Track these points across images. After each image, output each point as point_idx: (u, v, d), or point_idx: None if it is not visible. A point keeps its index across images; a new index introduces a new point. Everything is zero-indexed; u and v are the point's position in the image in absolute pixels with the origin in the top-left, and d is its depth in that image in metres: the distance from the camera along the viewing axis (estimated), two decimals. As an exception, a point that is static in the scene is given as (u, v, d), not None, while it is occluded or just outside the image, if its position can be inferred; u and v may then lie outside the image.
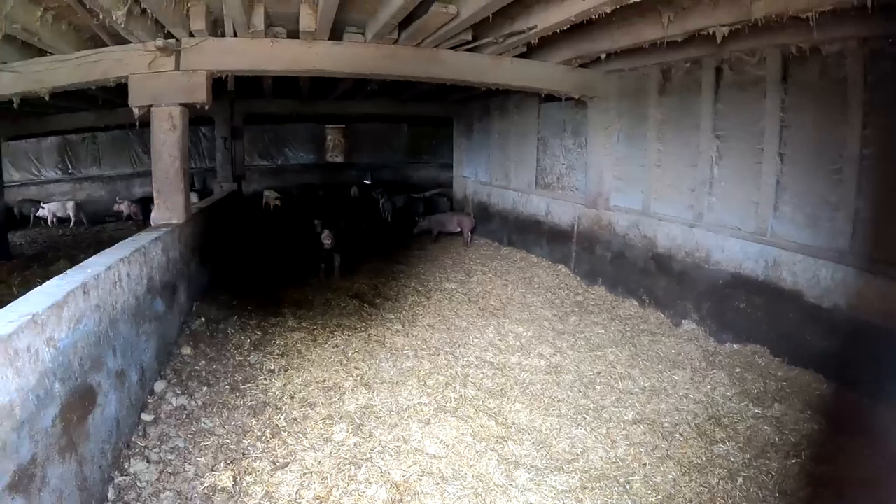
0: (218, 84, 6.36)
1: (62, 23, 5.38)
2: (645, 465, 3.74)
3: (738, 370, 5.07)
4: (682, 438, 4.03)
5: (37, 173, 17.82)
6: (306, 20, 5.41)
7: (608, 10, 4.67)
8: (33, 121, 12.93)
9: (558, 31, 5.48)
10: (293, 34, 5.93)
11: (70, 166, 18.01)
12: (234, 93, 10.73)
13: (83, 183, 17.97)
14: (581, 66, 7.23)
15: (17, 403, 2.41)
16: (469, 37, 6.04)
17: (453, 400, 4.65)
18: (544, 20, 5.31)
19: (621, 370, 5.17)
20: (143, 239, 4.94)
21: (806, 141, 5.23)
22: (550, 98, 8.64)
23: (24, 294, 3.05)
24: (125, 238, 4.97)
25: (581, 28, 5.48)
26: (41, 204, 15.26)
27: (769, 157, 5.50)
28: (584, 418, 4.34)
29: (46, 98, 6.21)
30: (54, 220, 14.94)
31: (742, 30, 4.85)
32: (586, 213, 8.25)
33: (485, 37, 6.11)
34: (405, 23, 5.62)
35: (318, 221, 8.57)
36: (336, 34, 5.99)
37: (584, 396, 4.71)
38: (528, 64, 7.02)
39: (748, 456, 3.80)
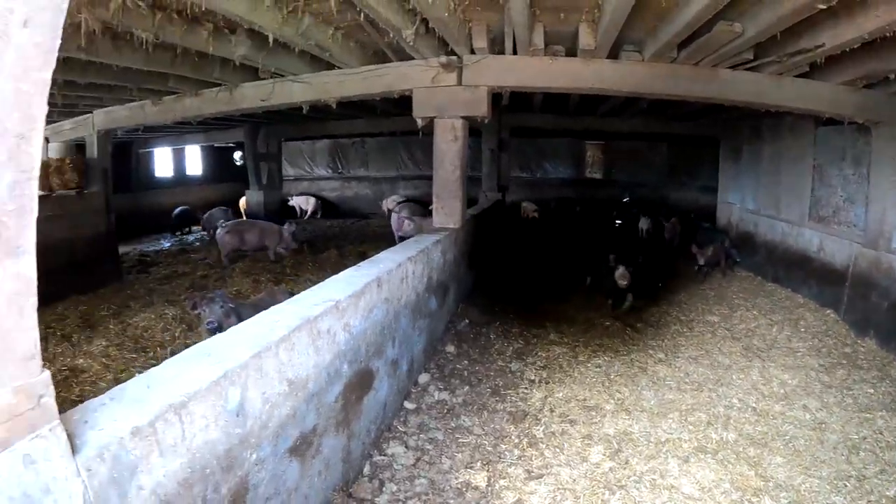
0: (492, 98, 6.95)
1: (350, 40, 6.43)
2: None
3: None
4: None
5: (309, 171, 21.47)
6: (585, 38, 5.67)
7: None
8: (311, 125, 15.50)
9: (847, 49, 5.08)
10: (570, 52, 6.28)
11: (339, 166, 21.31)
12: (503, 106, 11.55)
13: (350, 182, 21.13)
14: (866, 86, 6.47)
15: (312, 378, 3.01)
16: (751, 55, 5.85)
17: (714, 441, 4.54)
18: (833, 38, 4.95)
19: (889, 438, 4.62)
20: (425, 241, 5.76)
21: None
22: (829, 122, 7.91)
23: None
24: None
25: (870, 45, 5.01)
26: (290, 197, 18.15)
27: None
28: (845, 486, 3.98)
29: (333, 107, 7.53)
30: (302, 211, 17.64)
31: None
32: (863, 253, 7.32)
33: (766, 55, 5.86)
34: (685, 41, 5.63)
35: (613, 256, 8.31)
36: (613, 52, 6.19)
37: (847, 461, 4.30)
38: (809, 84, 6.53)
39: None
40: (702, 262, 9.95)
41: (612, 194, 19.63)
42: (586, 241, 13.62)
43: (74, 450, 1.63)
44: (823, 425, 4.88)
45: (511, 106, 11.35)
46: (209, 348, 2.49)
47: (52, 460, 1.54)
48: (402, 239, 10.42)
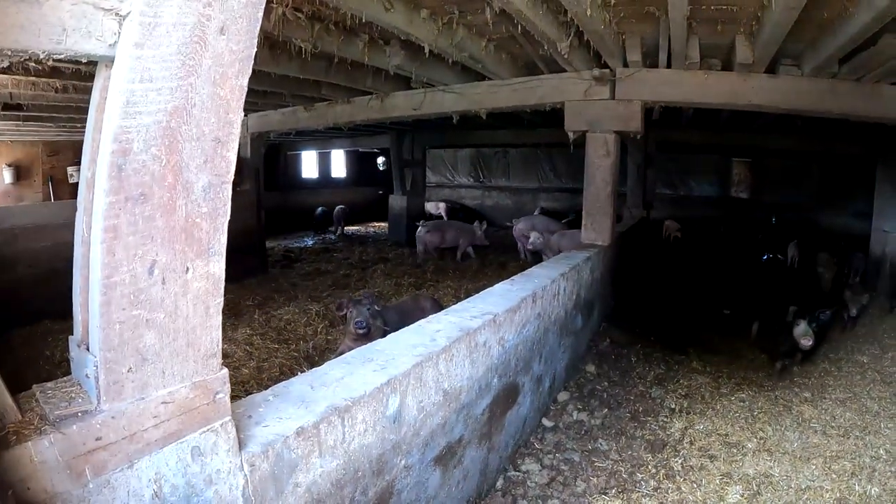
0: (644, 112, 6.74)
1: (503, 52, 6.38)
2: None
3: None
4: None
5: (451, 178, 21.78)
6: (742, 52, 5.34)
7: None
8: (456, 134, 15.66)
9: None
10: (726, 66, 5.95)
11: (481, 175, 21.43)
12: (654, 120, 11.15)
13: (491, 191, 21.22)
14: None
15: (465, 390, 2.99)
16: None
17: (857, 494, 4.04)
18: None
19: None
20: (577, 257, 5.61)
21: None
22: None
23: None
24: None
25: None
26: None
27: None
28: None
29: (483, 117, 7.51)
30: (432, 215, 18.08)
31: None
32: None
33: None
34: (848, 56, 5.17)
35: (794, 309, 6.72)
36: (770, 66, 5.81)
37: None
38: None
39: None
40: (854, 312, 8.16)
41: (759, 215, 18.30)
42: (731, 265, 12.92)
43: (240, 444, 1.68)
44: (977, 489, 4.24)
45: (659, 121, 10.92)
46: (370, 353, 2.55)
47: (218, 454, 1.60)
48: (534, 253, 10.39)
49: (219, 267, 1.47)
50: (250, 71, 1.43)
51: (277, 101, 9.22)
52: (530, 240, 10.46)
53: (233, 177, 1.44)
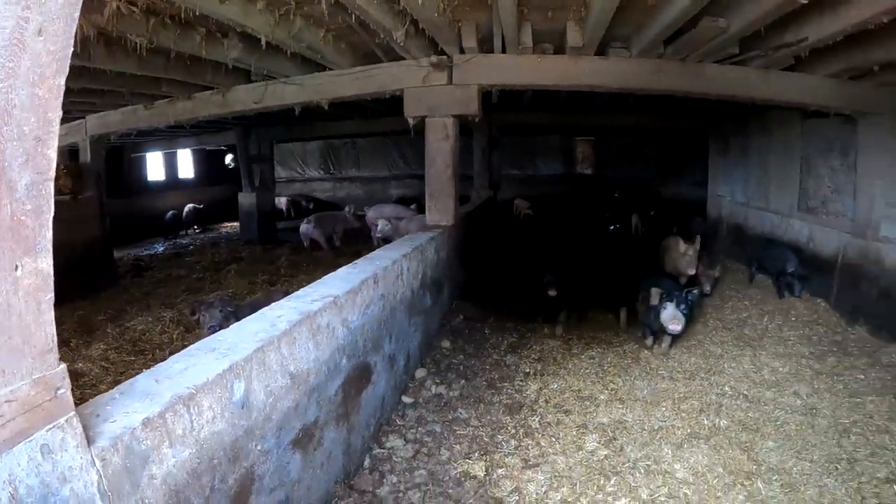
0: (482, 96, 7.04)
1: (342, 42, 6.49)
2: (891, 528, 3.43)
3: None
4: (937, 507, 3.60)
5: (301, 172, 21.57)
6: (573, 36, 5.76)
7: (885, 20, 4.37)
8: (302, 127, 15.54)
9: (830, 42, 5.20)
10: (559, 50, 6.39)
11: (332, 167, 21.32)
12: (493, 104, 11.66)
13: (343, 183, 21.19)
14: (851, 78, 6.58)
15: (312, 372, 3.09)
16: (736, 50, 5.95)
17: (706, 428, 4.64)
18: (817, 31, 5.05)
19: (879, 422, 4.72)
20: (420, 238, 5.85)
21: None
22: (816, 114, 7.99)
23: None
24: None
25: (853, 38, 5.12)
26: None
27: None
28: (836, 468, 4.08)
29: (325, 107, 7.59)
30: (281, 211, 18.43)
31: None
32: (852, 243, 7.42)
33: (751, 49, 5.97)
34: (671, 38, 5.73)
35: (659, 291, 6.00)
36: (600, 49, 6.30)
37: (838, 445, 4.41)
38: (796, 77, 6.65)
39: None
40: (707, 289, 8.30)
41: (604, 190, 19.71)
42: (580, 238, 13.79)
43: (89, 441, 1.69)
44: (814, 410, 4.97)
45: (501, 104, 11.44)
46: (213, 344, 2.57)
47: (68, 450, 1.61)
48: (385, 241, 10.53)
49: (47, 263, 1.49)
50: (67, 70, 1.46)
51: (117, 101, 8.76)
52: (378, 227, 10.69)
53: (54, 173, 1.47)
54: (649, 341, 6.44)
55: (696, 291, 6.32)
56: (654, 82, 6.59)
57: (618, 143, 20.51)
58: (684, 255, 8.01)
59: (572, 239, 13.46)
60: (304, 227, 12.98)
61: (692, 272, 7.94)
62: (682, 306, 5.81)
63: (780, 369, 5.86)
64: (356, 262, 4.51)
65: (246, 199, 15.63)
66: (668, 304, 5.82)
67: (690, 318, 6.28)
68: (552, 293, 6.91)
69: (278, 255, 12.44)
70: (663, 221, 14.25)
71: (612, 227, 15.64)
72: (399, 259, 4.76)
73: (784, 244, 8.92)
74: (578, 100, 11.43)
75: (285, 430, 2.79)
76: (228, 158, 21.71)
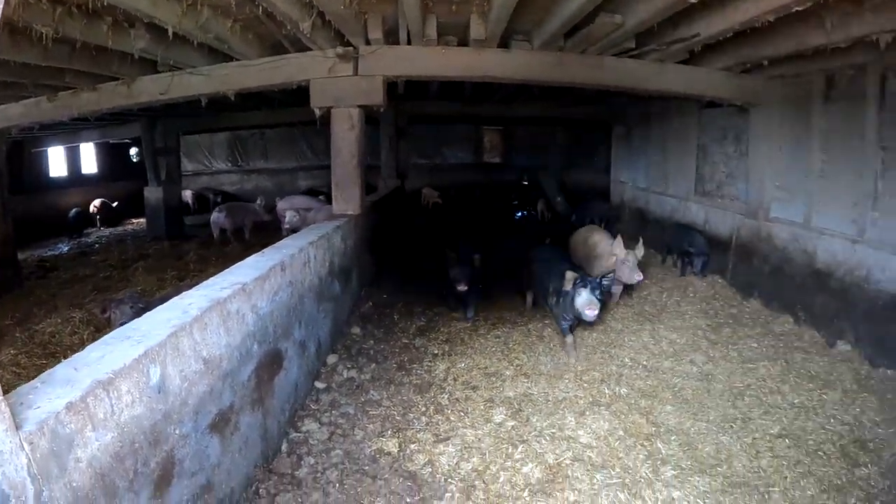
0: (388, 87, 7.15)
1: (249, 32, 6.43)
2: (786, 477, 3.83)
3: (889, 396, 4.88)
4: (824, 457, 4.06)
5: (208, 164, 20.90)
6: (476, 29, 5.98)
7: (771, 19, 4.79)
8: (209, 118, 15.10)
9: (721, 38, 5.63)
10: (463, 42, 6.59)
11: (239, 159, 20.80)
12: (400, 94, 11.79)
13: (251, 175, 20.74)
14: (743, 71, 7.18)
15: (225, 357, 3.16)
16: (632, 44, 6.34)
17: (607, 396, 4.99)
18: (707, 28, 5.46)
19: (771, 385, 5.20)
20: (326, 227, 5.95)
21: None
22: (711, 104, 8.69)
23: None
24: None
25: (743, 34, 5.57)
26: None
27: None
28: (731, 427, 4.48)
29: (232, 98, 7.51)
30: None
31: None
32: (745, 223, 8.11)
33: (648, 44, 6.37)
34: (571, 31, 6.04)
35: (573, 276, 5.62)
36: (503, 42, 6.55)
37: (733, 406, 4.82)
38: (690, 70, 7.15)
39: (889, 482, 3.77)
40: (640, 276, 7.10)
41: (512, 178, 20.18)
42: (488, 223, 14.28)
43: (17, 426, 1.72)
44: (710, 376, 5.39)
45: (408, 94, 11.57)
46: (128, 332, 2.60)
47: (-2, 435, 1.64)
48: (293, 231, 10.54)
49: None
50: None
51: (19, 93, 8.22)
52: (286, 218, 10.63)
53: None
54: (569, 339, 5.97)
55: (611, 275, 6.18)
56: (556, 74, 6.90)
57: (525, 133, 21.07)
58: (624, 263, 6.60)
59: (480, 225, 13.83)
60: (216, 215, 12.89)
61: (638, 279, 6.68)
62: (597, 291, 5.50)
63: (678, 341, 6.28)
64: (264, 250, 4.58)
65: (153, 193, 15.01)
66: (582, 289, 5.48)
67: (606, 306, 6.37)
68: (462, 288, 6.65)
69: (186, 250, 12.13)
70: (569, 206, 15.07)
71: (519, 214, 16.22)
72: (306, 247, 4.86)
73: (691, 227, 9.46)
74: (484, 90, 11.74)
75: (202, 415, 2.85)
76: (133, 152, 20.69)
